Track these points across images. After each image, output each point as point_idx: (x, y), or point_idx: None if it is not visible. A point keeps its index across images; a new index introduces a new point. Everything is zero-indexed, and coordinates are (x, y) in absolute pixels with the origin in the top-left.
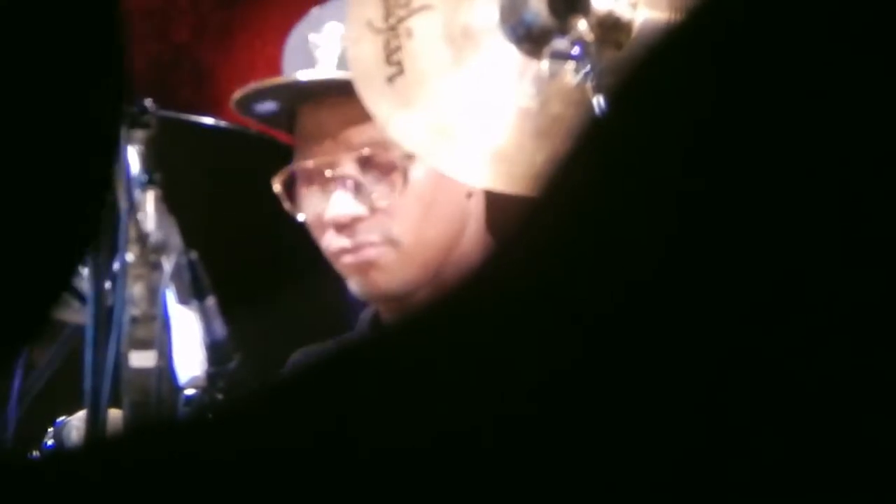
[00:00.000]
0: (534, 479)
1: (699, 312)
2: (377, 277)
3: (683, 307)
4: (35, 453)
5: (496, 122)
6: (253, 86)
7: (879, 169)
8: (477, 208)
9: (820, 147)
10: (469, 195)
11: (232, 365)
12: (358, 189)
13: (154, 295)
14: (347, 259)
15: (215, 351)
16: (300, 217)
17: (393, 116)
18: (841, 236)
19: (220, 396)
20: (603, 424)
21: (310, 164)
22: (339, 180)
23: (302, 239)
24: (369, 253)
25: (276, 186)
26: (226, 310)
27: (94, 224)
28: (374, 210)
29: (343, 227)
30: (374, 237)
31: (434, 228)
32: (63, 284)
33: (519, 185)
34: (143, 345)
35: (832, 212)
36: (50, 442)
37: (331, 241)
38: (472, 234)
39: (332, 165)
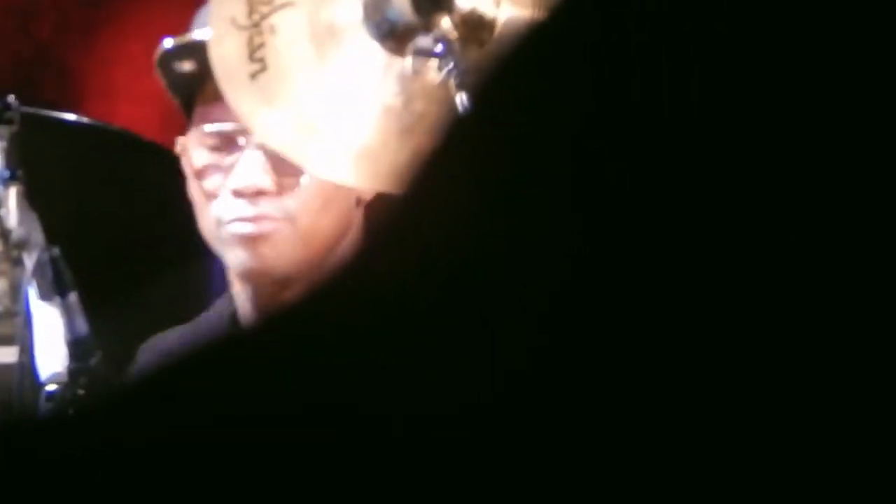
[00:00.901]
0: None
1: (564, 306)
2: (266, 252)
3: (547, 301)
4: None
5: (360, 120)
6: (182, 39)
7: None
8: (359, 219)
9: (681, 137)
10: (358, 202)
11: (93, 361)
12: (268, 162)
13: (16, 291)
14: (242, 228)
15: (77, 347)
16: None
17: (257, 114)
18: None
19: (81, 392)
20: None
21: (227, 127)
22: (251, 149)
23: (164, 232)
24: (265, 226)
25: (181, 147)
26: (87, 306)
27: None
28: (279, 187)
29: (246, 195)
30: (274, 212)
31: (328, 219)
32: None
33: (383, 183)
34: (5, 341)
35: (690, 203)
36: None
37: (227, 208)
38: (351, 241)
39: (247, 133)
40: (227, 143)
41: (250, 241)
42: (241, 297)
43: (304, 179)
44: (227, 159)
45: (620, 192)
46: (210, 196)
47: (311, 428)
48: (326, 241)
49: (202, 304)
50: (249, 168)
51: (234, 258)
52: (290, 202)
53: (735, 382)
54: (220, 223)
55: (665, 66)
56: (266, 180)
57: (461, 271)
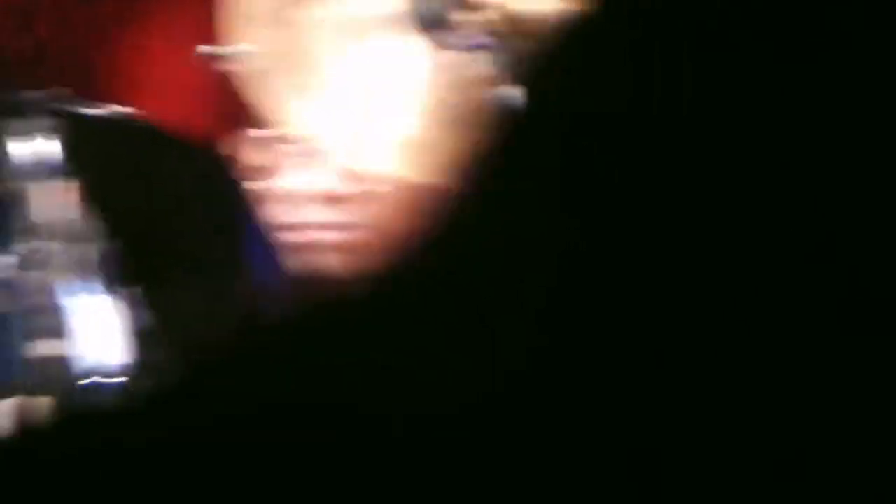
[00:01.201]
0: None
1: (612, 304)
2: (346, 261)
3: (597, 299)
4: None
5: (402, 112)
6: None
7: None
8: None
9: (729, 140)
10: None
11: (148, 353)
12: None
13: (64, 284)
14: (327, 235)
15: (142, 339)
16: (263, 184)
17: (288, 109)
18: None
19: (147, 385)
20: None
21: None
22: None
23: (193, 229)
24: (351, 235)
25: (246, 149)
26: (140, 298)
27: None
28: (365, 193)
29: (335, 201)
30: (358, 219)
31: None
32: None
33: (424, 175)
34: (51, 334)
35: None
36: None
37: (312, 214)
38: None
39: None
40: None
41: (334, 248)
42: None
43: (387, 185)
44: (304, 163)
45: (668, 188)
46: (281, 200)
47: (314, 427)
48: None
49: (253, 300)
50: (326, 172)
51: (311, 262)
52: (370, 207)
53: (732, 380)
54: (302, 227)
55: (714, 58)
56: (353, 185)
57: (516, 264)
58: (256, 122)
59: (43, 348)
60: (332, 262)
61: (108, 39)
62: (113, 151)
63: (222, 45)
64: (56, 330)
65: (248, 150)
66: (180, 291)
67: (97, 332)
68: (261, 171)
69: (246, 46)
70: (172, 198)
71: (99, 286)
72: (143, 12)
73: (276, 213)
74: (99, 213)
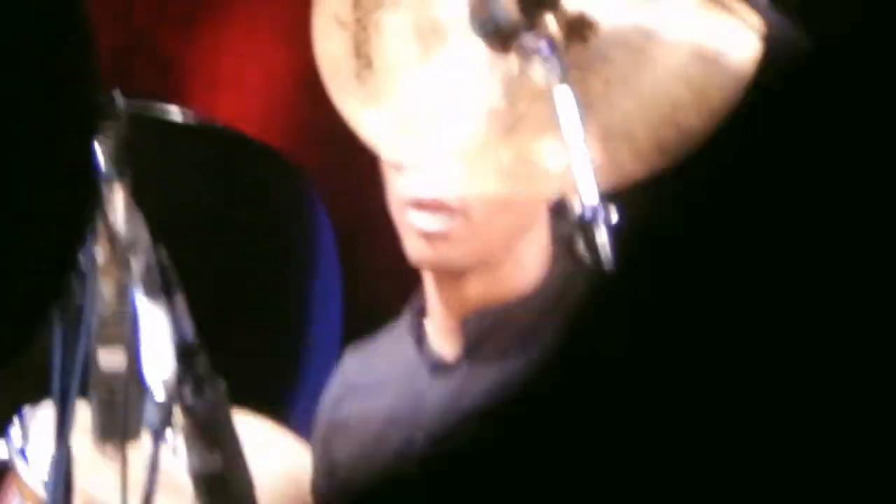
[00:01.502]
0: None
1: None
2: (442, 247)
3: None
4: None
5: (464, 120)
6: None
7: None
8: (545, 214)
9: None
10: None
11: (199, 364)
12: None
13: (123, 293)
14: (422, 222)
15: (183, 349)
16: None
17: (361, 113)
18: None
19: (187, 397)
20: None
21: None
22: None
23: (267, 232)
24: (444, 224)
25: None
26: (193, 308)
27: (83, 222)
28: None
29: (429, 208)
30: (452, 201)
31: (506, 217)
32: (59, 282)
33: (486, 184)
34: (112, 342)
35: None
36: (15, 429)
37: (409, 186)
38: (536, 237)
39: None
40: None
41: (429, 236)
42: (428, 287)
43: None
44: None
45: None
46: (396, 168)
47: None
48: (503, 237)
49: (302, 306)
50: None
51: (413, 250)
52: (469, 199)
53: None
54: (402, 204)
55: None
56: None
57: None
58: (333, 127)
59: (107, 358)
60: (437, 249)
61: (195, 35)
62: (187, 159)
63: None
64: (122, 339)
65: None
66: (242, 299)
67: (161, 343)
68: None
69: (326, 49)
70: (242, 202)
71: (161, 294)
72: (228, 9)
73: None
74: (162, 221)
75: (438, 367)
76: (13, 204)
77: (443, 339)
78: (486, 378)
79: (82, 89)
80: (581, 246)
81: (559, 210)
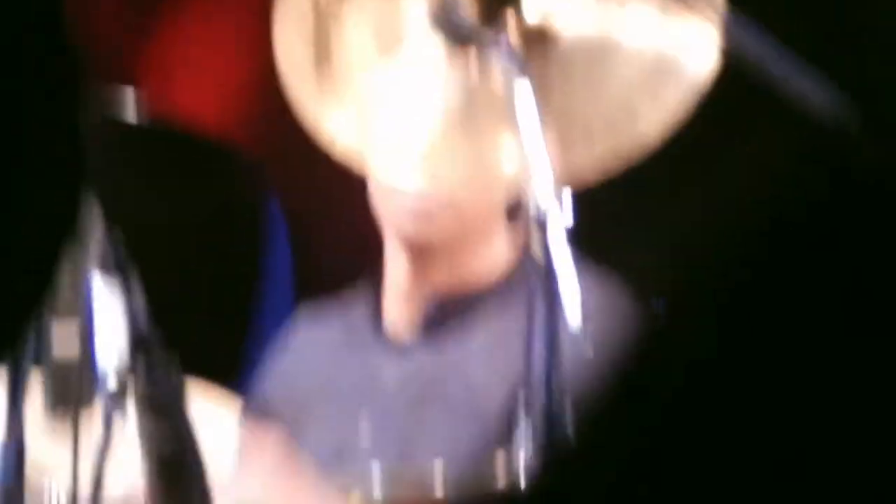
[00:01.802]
0: None
1: None
2: (425, 226)
3: None
4: None
5: (422, 122)
6: None
7: None
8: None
9: None
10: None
11: (153, 351)
12: None
13: (78, 271)
14: (410, 202)
15: (137, 337)
16: None
17: (324, 116)
18: None
19: (140, 382)
20: None
21: None
22: None
23: (223, 231)
24: (430, 204)
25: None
26: (147, 291)
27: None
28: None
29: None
30: (440, 197)
31: (487, 215)
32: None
33: (444, 186)
34: (66, 316)
35: None
36: None
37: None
38: (501, 236)
39: None
40: None
41: (415, 214)
42: (392, 267)
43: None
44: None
45: None
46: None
47: None
48: (481, 229)
49: (256, 299)
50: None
51: (396, 223)
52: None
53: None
54: (391, 194)
55: None
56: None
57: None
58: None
59: (61, 347)
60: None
61: (150, 20)
62: (144, 160)
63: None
64: (76, 326)
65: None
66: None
67: (115, 329)
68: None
69: (285, 38)
70: (198, 203)
71: (115, 282)
72: (188, 4)
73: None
74: (120, 219)
75: (394, 347)
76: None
77: (400, 321)
78: (443, 358)
79: (72, 83)
80: (535, 245)
81: (514, 210)
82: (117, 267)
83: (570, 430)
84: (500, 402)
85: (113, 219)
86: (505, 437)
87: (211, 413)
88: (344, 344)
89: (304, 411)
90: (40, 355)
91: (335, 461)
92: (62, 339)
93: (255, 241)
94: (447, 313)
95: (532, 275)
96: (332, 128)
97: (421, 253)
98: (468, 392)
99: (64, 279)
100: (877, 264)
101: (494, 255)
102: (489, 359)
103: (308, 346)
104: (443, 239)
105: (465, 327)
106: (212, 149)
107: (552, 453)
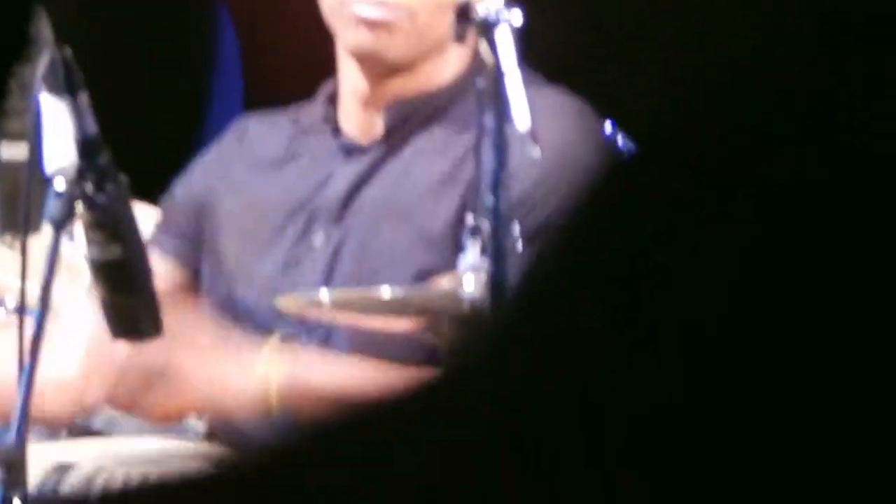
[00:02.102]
0: None
1: None
2: (384, 38)
3: None
4: None
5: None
6: None
7: None
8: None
9: None
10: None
11: (101, 159)
12: None
13: (26, 88)
14: (366, 11)
15: (86, 145)
16: None
17: None
18: None
19: (88, 189)
20: None
21: None
22: None
23: (171, 36)
24: (388, 14)
25: None
26: (96, 106)
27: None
28: None
29: None
30: (399, 2)
31: (445, 20)
32: None
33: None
34: (15, 137)
35: None
36: None
37: None
38: (457, 56)
39: None
40: None
41: (371, 25)
42: (347, 78)
43: None
44: None
45: None
46: None
47: None
48: (440, 39)
49: (202, 101)
50: None
51: (351, 38)
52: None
53: None
54: (343, 2)
55: None
56: None
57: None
58: None
59: (10, 152)
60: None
61: None
62: None
63: None
64: (24, 134)
65: None
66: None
67: (63, 138)
68: None
69: None
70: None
71: (64, 92)
72: None
73: None
74: (64, 17)
75: (351, 150)
76: None
77: (355, 125)
78: (398, 162)
79: None
80: (484, 47)
81: (463, 11)
82: (66, 81)
83: (514, 243)
84: (450, 208)
85: (60, 32)
86: (451, 250)
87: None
88: (295, 147)
89: (244, 219)
90: None
91: (285, 273)
92: (11, 156)
93: (201, 46)
94: (402, 120)
95: (481, 77)
96: None
97: (376, 66)
98: (418, 199)
99: (13, 101)
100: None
101: (449, 61)
102: (439, 162)
103: (256, 144)
104: (403, 51)
105: (418, 132)
106: None
107: (499, 270)
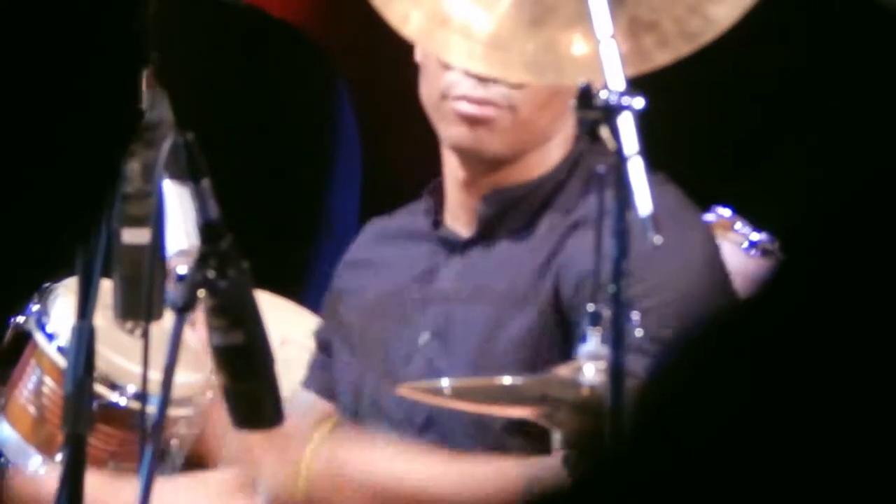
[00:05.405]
0: None
1: None
2: (484, 134)
3: None
4: (19, 318)
5: (491, 10)
6: None
7: None
8: (571, 122)
9: None
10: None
11: (223, 244)
12: None
13: (149, 173)
14: (468, 108)
15: (207, 230)
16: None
17: (392, 3)
18: None
19: (210, 274)
20: None
21: None
22: None
23: (295, 114)
24: (489, 111)
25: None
26: (218, 191)
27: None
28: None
29: (477, 77)
30: (500, 99)
31: (546, 115)
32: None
33: (512, 72)
34: (137, 222)
35: None
36: (35, 307)
37: (458, 85)
38: (563, 126)
39: None
40: None
41: (472, 121)
42: (450, 169)
43: None
44: None
45: None
46: (444, 66)
47: None
48: (541, 134)
49: (322, 188)
50: None
51: (452, 133)
52: (517, 93)
53: None
54: (444, 96)
55: None
56: None
57: None
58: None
59: (131, 236)
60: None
61: None
62: (209, 36)
63: None
64: (146, 218)
65: None
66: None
67: (185, 223)
68: None
69: None
70: (271, 84)
71: (186, 176)
72: None
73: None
74: (186, 99)
75: (453, 244)
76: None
77: (458, 219)
78: (498, 255)
79: None
80: (606, 131)
81: (584, 97)
82: (188, 166)
83: (633, 331)
84: (546, 298)
85: (183, 118)
86: (561, 333)
87: (280, 311)
88: (406, 247)
89: (369, 320)
90: (110, 265)
91: (402, 367)
92: (133, 241)
93: (327, 128)
94: (505, 206)
95: (599, 162)
96: (403, 19)
97: (478, 160)
98: (517, 289)
99: (133, 186)
100: None
101: (556, 148)
102: (538, 251)
103: (371, 252)
104: (504, 147)
105: (517, 221)
106: (284, 29)
107: (620, 358)
